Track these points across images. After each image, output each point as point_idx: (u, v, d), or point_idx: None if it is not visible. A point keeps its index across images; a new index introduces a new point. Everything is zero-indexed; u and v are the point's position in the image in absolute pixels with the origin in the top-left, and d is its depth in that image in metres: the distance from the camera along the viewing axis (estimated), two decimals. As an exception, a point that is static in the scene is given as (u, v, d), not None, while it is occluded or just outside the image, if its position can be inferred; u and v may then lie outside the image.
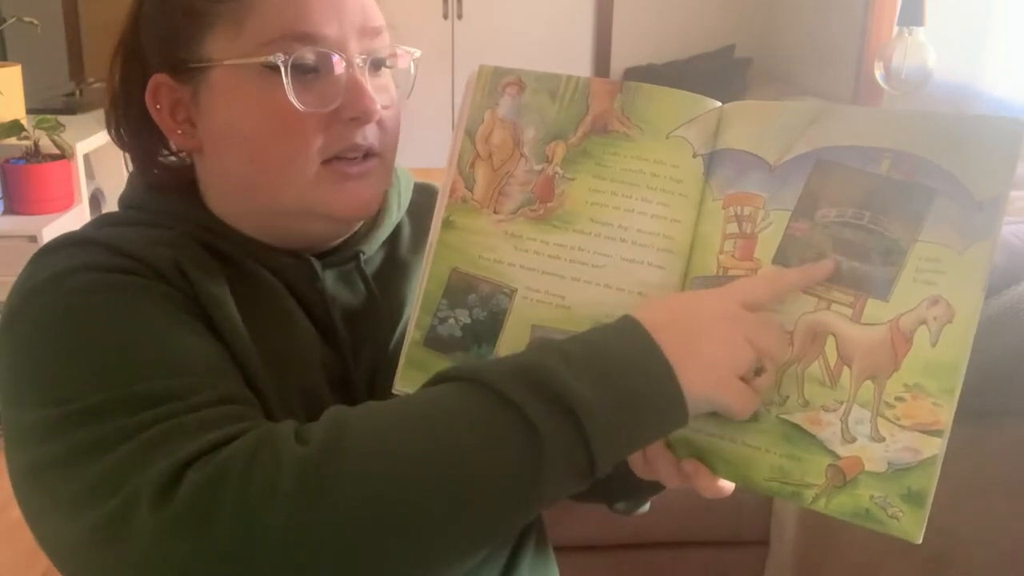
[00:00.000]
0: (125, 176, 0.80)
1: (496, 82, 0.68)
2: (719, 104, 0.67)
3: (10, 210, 2.72)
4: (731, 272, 0.65)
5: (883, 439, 0.61)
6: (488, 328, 0.67)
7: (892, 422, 0.61)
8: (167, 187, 0.77)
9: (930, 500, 0.60)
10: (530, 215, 0.67)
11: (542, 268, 0.67)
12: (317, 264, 0.75)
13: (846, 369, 0.62)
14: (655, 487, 0.75)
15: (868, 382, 0.61)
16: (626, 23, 4.57)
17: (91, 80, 3.50)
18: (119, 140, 0.78)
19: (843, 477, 0.62)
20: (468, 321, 0.68)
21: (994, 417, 1.45)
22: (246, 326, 0.68)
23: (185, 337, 0.63)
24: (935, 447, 0.60)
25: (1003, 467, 1.48)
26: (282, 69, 0.68)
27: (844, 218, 0.63)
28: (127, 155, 0.79)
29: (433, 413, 0.55)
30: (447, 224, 0.68)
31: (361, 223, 0.80)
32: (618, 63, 4.59)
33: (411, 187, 0.87)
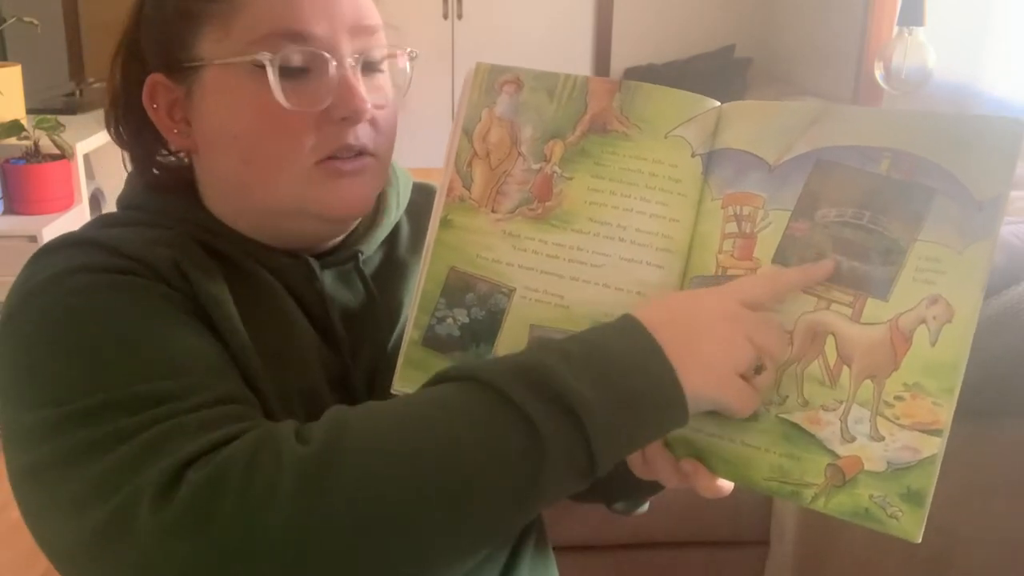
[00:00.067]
0: (125, 176, 0.80)
1: (493, 80, 0.68)
2: (718, 104, 0.67)
3: (10, 210, 2.72)
4: (730, 272, 0.65)
5: (882, 438, 0.61)
6: (486, 328, 0.67)
7: (891, 421, 0.61)
8: (166, 187, 0.77)
9: (929, 499, 0.60)
10: (528, 214, 0.67)
11: (540, 267, 0.67)
12: (315, 264, 0.75)
13: (846, 368, 0.62)
14: (654, 487, 0.75)
15: (867, 381, 0.61)
16: (626, 23, 4.57)
17: (91, 80, 3.50)
18: (119, 139, 0.78)
19: (842, 476, 0.61)
20: (466, 320, 0.68)
21: (994, 417, 1.45)
22: (245, 326, 0.68)
23: (185, 337, 0.63)
24: (934, 446, 0.60)
25: (1003, 467, 1.48)
26: (268, 68, 0.67)
27: (844, 218, 0.63)
28: (127, 155, 0.79)
29: (433, 413, 0.55)
30: (445, 223, 0.68)
31: (358, 223, 0.80)
32: (618, 63, 4.59)
33: (410, 187, 0.87)
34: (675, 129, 0.66)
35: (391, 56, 0.74)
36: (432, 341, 0.68)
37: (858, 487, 0.61)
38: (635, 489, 0.82)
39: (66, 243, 0.68)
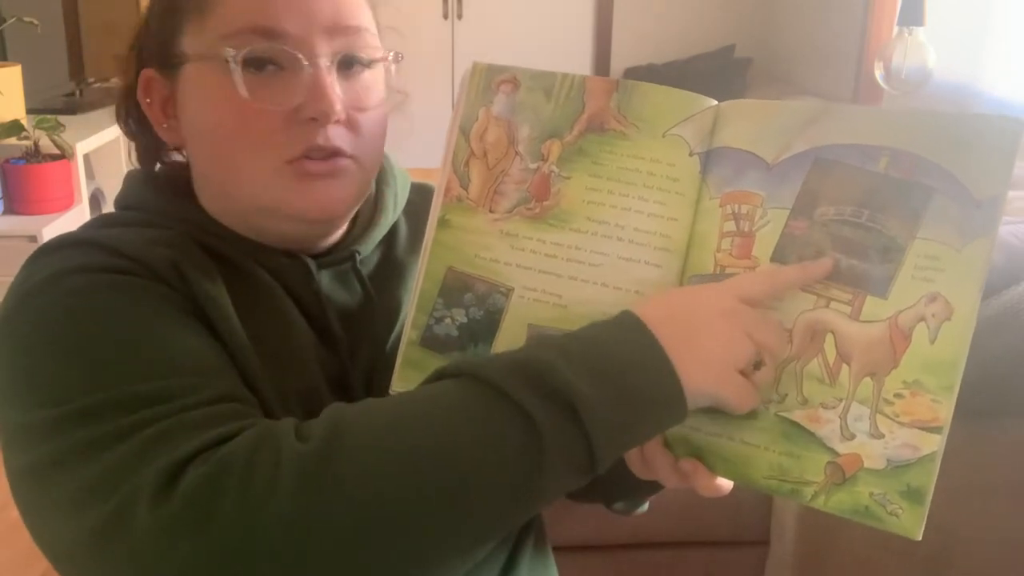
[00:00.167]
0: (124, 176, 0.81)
1: (490, 80, 0.68)
2: (715, 102, 0.67)
3: (10, 210, 2.72)
4: (728, 270, 0.65)
5: (882, 436, 0.61)
6: (484, 327, 0.67)
7: (891, 419, 0.61)
8: (168, 184, 0.77)
9: (929, 497, 0.60)
10: (526, 214, 0.67)
11: (538, 267, 0.67)
12: (312, 264, 0.75)
13: (845, 366, 0.62)
14: (653, 487, 0.75)
15: (867, 379, 0.61)
16: (626, 23, 4.57)
17: (91, 80, 3.50)
18: (128, 130, 0.80)
19: (842, 474, 0.61)
20: (464, 320, 0.68)
21: (994, 417, 1.45)
22: (243, 326, 0.68)
23: (183, 337, 0.63)
24: (934, 444, 0.60)
25: (1003, 467, 1.48)
26: (230, 63, 0.68)
27: (843, 216, 0.62)
28: (133, 148, 0.80)
29: (432, 409, 0.55)
30: (443, 223, 0.68)
31: (355, 223, 0.80)
32: (618, 63, 4.59)
33: (408, 187, 0.87)
34: (673, 128, 0.66)
35: (378, 59, 0.73)
36: (430, 341, 0.68)
37: (858, 485, 0.61)
38: (634, 489, 0.82)
39: (64, 243, 0.68)
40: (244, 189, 0.71)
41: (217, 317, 0.66)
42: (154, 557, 0.50)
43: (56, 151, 2.71)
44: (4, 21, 3.19)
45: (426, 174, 0.90)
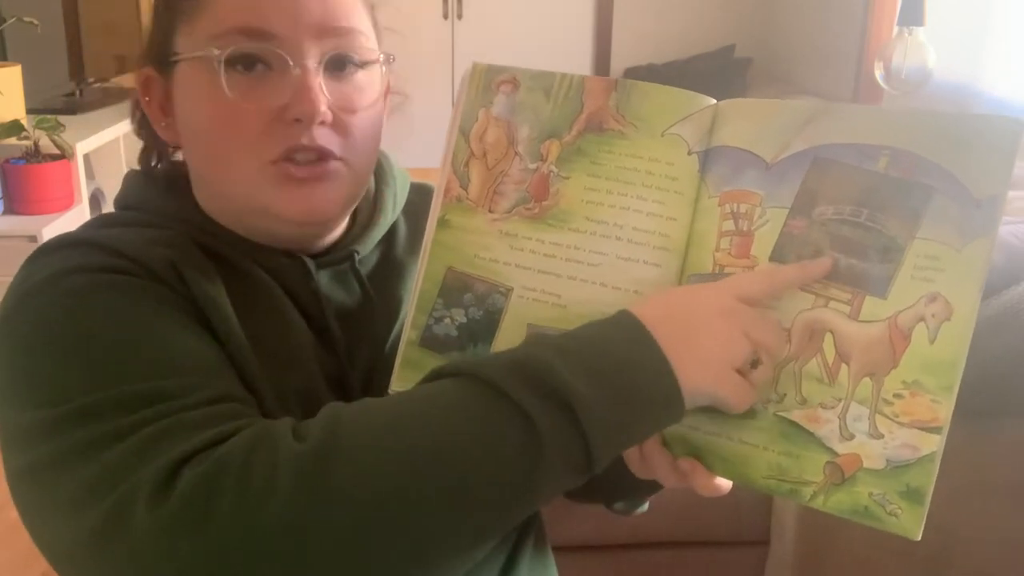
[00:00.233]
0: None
1: (490, 80, 0.68)
2: (714, 101, 0.67)
3: (10, 210, 2.72)
4: (727, 269, 0.65)
5: (881, 436, 0.61)
6: (484, 327, 0.67)
7: (890, 419, 0.61)
8: (167, 184, 0.77)
9: (929, 497, 0.60)
10: (525, 214, 0.67)
11: (538, 267, 0.67)
12: (311, 264, 0.75)
13: (844, 366, 0.62)
14: (653, 486, 0.75)
15: (866, 379, 0.61)
16: (626, 23, 4.57)
17: (91, 80, 3.50)
18: (139, 130, 0.80)
19: (841, 474, 0.61)
20: (464, 320, 0.68)
21: (994, 417, 1.45)
22: (242, 326, 0.68)
23: (182, 337, 0.63)
24: (934, 444, 0.60)
25: (1003, 467, 1.48)
26: (214, 62, 0.68)
27: (842, 215, 0.62)
28: (145, 146, 0.80)
29: (429, 409, 0.55)
30: (442, 223, 0.68)
31: (354, 223, 0.80)
32: (618, 63, 4.59)
33: (407, 187, 0.87)
34: (671, 127, 0.66)
35: (372, 59, 0.73)
36: (429, 341, 0.68)
37: (857, 485, 0.61)
38: (634, 489, 0.82)
39: (63, 244, 0.68)
40: (234, 189, 0.71)
41: (216, 317, 0.66)
42: (153, 557, 0.50)
43: (56, 151, 2.71)
44: (4, 21, 3.19)
45: (426, 174, 0.90)
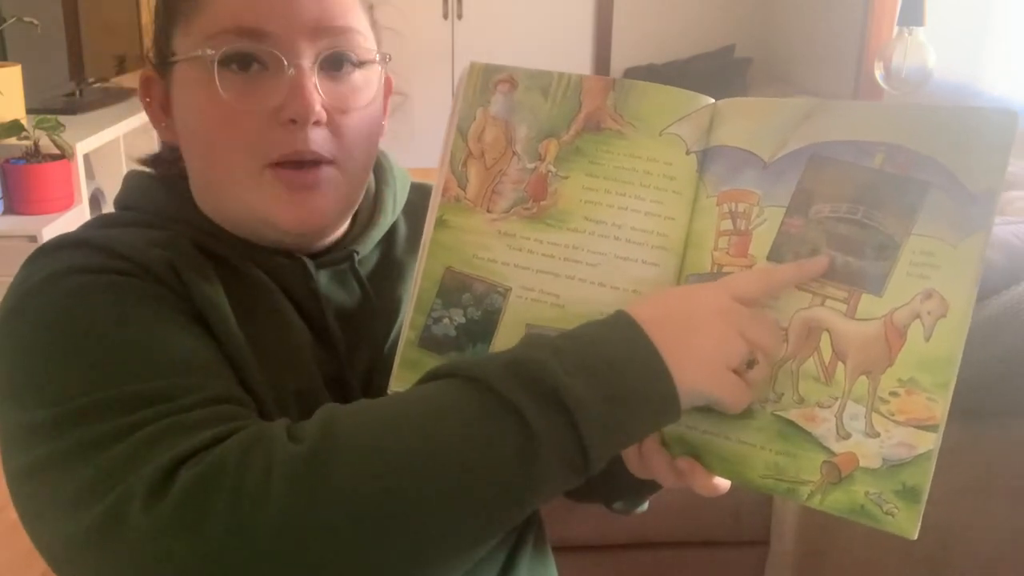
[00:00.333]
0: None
1: (488, 79, 0.68)
2: (712, 101, 0.67)
3: (10, 210, 2.72)
4: (725, 269, 0.65)
5: (878, 435, 0.61)
6: (483, 327, 0.67)
7: (887, 417, 0.61)
8: (167, 185, 0.77)
9: (925, 496, 0.60)
10: (523, 214, 0.67)
11: (536, 267, 0.67)
12: (311, 264, 0.75)
13: (841, 365, 0.62)
14: (652, 486, 0.75)
15: (863, 378, 0.61)
16: (626, 23, 4.57)
17: (91, 80, 3.50)
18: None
19: (838, 473, 0.61)
20: (463, 321, 0.68)
21: (994, 417, 1.45)
22: (241, 327, 0.68)
23: (181, 338, 0.63)
24: (930, 442, 0.60)
25: (1003, 467, 1.48)
26: (209, 62, 0.68)
27: (838, 213, 0.62)
28: (159, 143, 0.80)
29: (425, 410, 0.55)
30: (440, 223, 0.68)
31: (355, 223, 0.80)
32: (618, 63, 4.59)
33: (407, 187, 0.87)
34: (669, 127, 0.66)
35: (369, 59, 0.73)
36: (428, 341, 0.68)
37: (854, 484, 0.61)
38: (633, 488, 0.82)
39: (63, 244, 0.68)
40: (231, 191, 0.71)
41: (214, 318, 0.66)
42: (149, 557, 0.50)
43: (56, 151, 2.71)
44: (4, 21, 3.20)
45: (426, 174, 0.90)
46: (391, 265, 0.82)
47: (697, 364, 0.59)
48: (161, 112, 0.75)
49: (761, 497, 1.60)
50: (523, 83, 0.67)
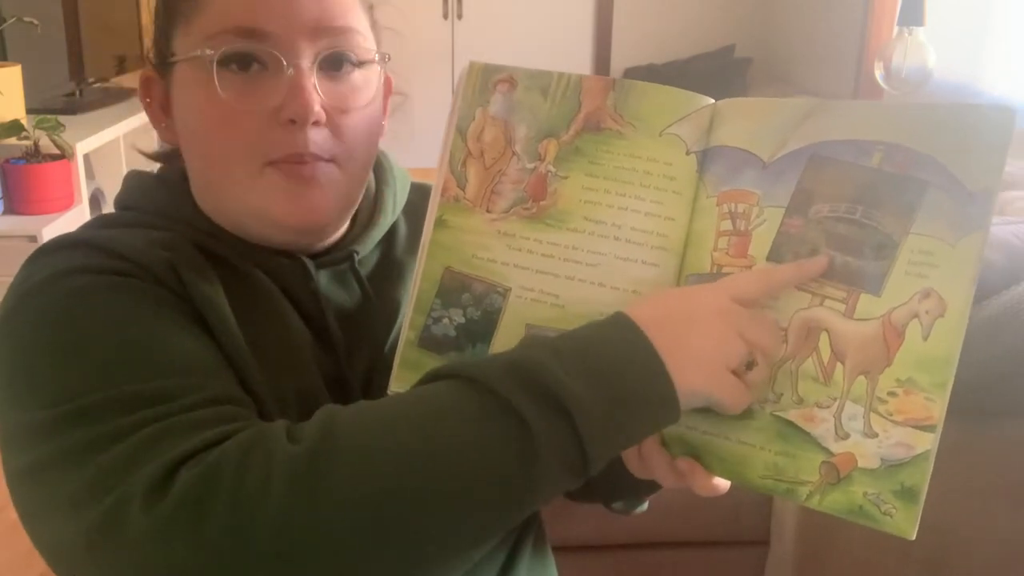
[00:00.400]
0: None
1: (487, 79, 0.68)
2: (712, 101, 0.67)
3: (10, 210, 2.72)
4: (725, 269, 0.65)
5: (876, 435, 0.61)
6: (482, 328, 0.67)
7: (885, 418, 0.60)
8: (168, 186, 0.77)
9: (923, 496, 0.60)
10: (523, 214, 0.67)
11: (536, 267, 0.67)
12: (311, 264, 0.75)
13: (839, 365, 0.62)
14: (652, 486, 0.75)
15: (861, 378, 0.61)
16: (626, 23, 4.57)
17: (91, 80, 3.50)
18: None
19: (837, 474, 0.61)
20: (462, 321, 0.68)
21: (994, 417, 1.45)
22: (241, 328, 0.68)
23: (180, 338, 0.63)
24: (928, 442, 0.60)
25: (1002, 467, 1.47)
26: (208, 62, 0.68)
27: (837, 213, 0.62)
28: (160, 144, 0.81)
29: (425, 411, 0.55)
30: (440, 223, 0.68)
31: (355, 223, 0.80)
32: (618, 63, 4.59)
33: (407, 187, 0.87)
34: (669, 127, 0.66)
35: (369, 59, 0.73)
36: (428, 342, 0.68)
37: (852, 484, 0.61)
38: (633, 488, 0.82)
39: (63, 244, 0.68)
40: (230, 191, 0.71)
41: (214, 319, 0.66)
42: (149, 558, 0.51)
43: (56, 151, 2.71)
44: (4, 21, 3.20)
45: (426, 174, 0.90)
46: (391, 265, 0.82)
47: (696, 365, 0.59)
48: (161, 112, 0.76)
49: (761, 497, 1.60)
50: (523, 83, 0.67)
